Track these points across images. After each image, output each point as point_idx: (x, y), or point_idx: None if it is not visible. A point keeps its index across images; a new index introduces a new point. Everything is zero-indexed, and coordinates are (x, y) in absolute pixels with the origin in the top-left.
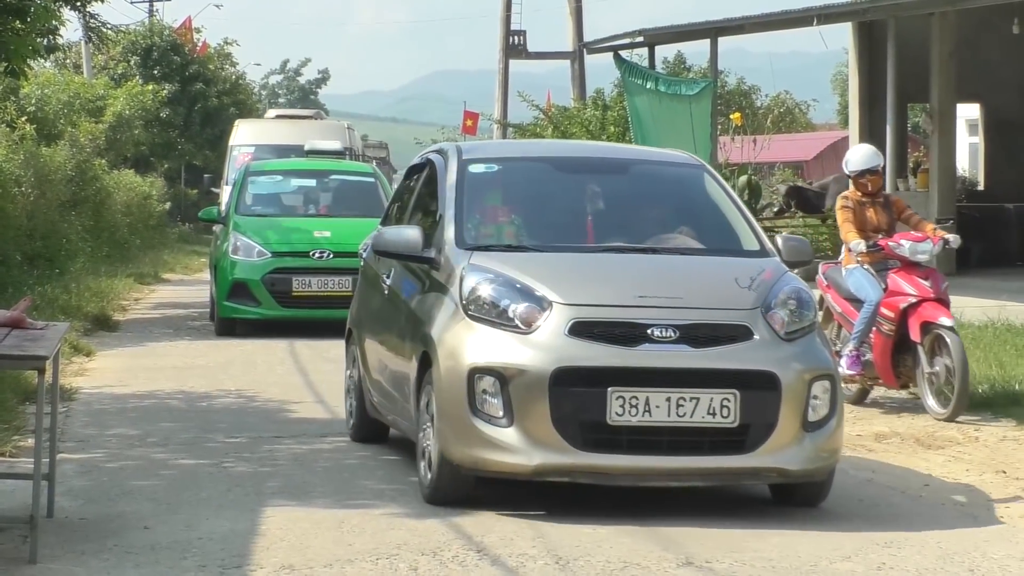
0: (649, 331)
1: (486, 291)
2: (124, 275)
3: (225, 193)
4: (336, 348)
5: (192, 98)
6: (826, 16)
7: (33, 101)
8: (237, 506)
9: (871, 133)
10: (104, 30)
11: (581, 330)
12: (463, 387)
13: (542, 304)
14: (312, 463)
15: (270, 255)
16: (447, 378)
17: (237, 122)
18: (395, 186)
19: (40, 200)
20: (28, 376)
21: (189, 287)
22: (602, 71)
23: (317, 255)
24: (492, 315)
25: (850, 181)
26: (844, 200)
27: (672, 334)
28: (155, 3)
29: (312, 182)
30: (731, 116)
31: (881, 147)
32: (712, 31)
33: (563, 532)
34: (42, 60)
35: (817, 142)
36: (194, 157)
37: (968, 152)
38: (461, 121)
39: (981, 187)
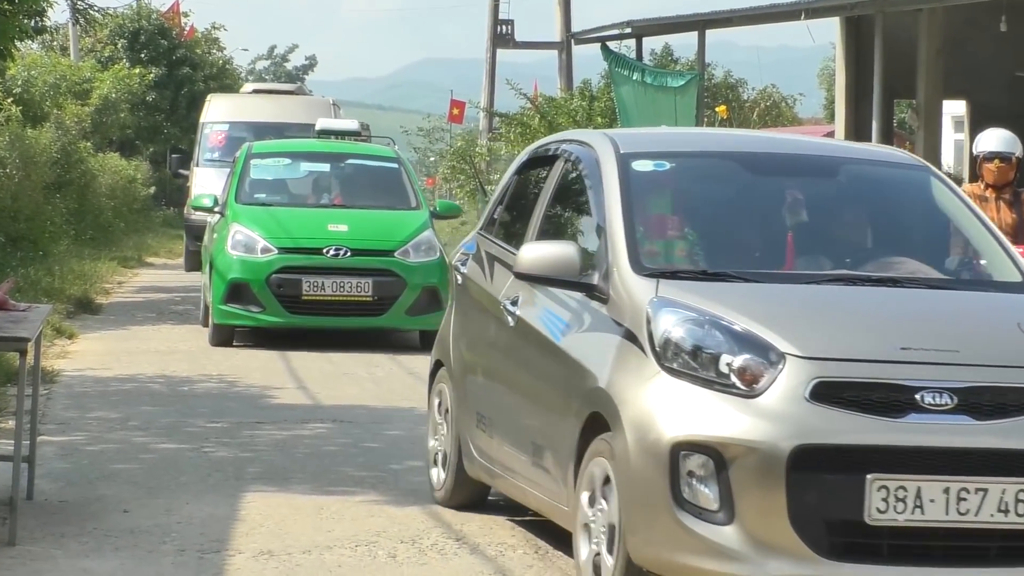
0: (918, 396)
1: (689, 336)
2: (108, 258)
3: (196, 176)
4: (332, 346)
5: (179, 82)
6: (814, 10)
7: (19, 83)
8: (217, 491)
9: (857, 128)
10: (92, 13)
11: (827, 393)
12: (662, 468)
13: (770, 356)
14: (292, 449)
15: (276, 251)
16: (638, 455)
17: (210, 97)
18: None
19: (25, 182)
20: (9, 358)
21: (173, 271)
22: (590, 62)
23: (332, 252)
24: (700, 369)
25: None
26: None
27: (948, 401)
28: None
29: (325, 167)
30: (717, 109)
31: (867, 143)
32: (700, 23)
33: (542, 522)
34: (29, 42)
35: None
36: (180, 141)
37: (954, 149)
38: (448, 109)
39: (967, 183)
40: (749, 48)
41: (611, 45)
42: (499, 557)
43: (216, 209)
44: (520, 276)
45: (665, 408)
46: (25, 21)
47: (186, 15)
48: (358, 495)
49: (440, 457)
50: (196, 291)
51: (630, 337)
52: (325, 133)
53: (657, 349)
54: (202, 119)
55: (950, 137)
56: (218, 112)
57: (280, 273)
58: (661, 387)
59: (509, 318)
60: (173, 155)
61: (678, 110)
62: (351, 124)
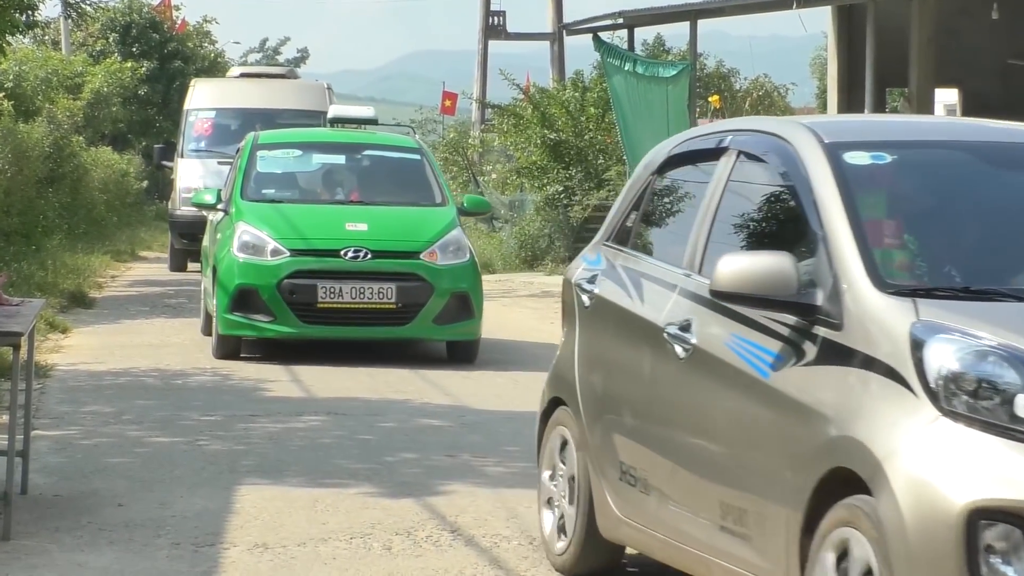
0: None
1: (977, 372)
2: (101, 252)
3: (180, 167)
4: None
5: (171, 76)
6: (806, 0)
7: (11, 77)
8: (211, 484)
9: None
10: (83, 7)
11: None
12: (955, 541)
13: None
14: (287, 441)
15: (288, 254)
16: (917, 524)
17: (194, 82)
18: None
19: (17, 176)
20: (3, 353)
21: (166, 265)
22: (582, 53)
23: (351, 255)
24: (998, 414)
25: None
26: None
27: None
28: None
29: (340, 159)
30: (710, 99)
31: None
32: (692, 14)
33: (536, 513)
34: (20, 36)
35: None
36: (172, 135)
37: None
38: (440, 101)
39: None
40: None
41: (603, 36)
42: (494, 548)
43: (219, 206)
44: (718, 295)
45: (951, 464)
46: (16, 15)
47: (177, 9)
48: (353, 487)
49: (560, 515)
50: (190, 284)
51: (885, 372)
52: (338, 121)
53: (932, 387)
54: (186, 106)
55: None
56: (203, 98)
57: (293, 278)
58: (943, 437)
59: (678, 347)
60: (157, 146)
61: (670, 100)
62: (366, 111)
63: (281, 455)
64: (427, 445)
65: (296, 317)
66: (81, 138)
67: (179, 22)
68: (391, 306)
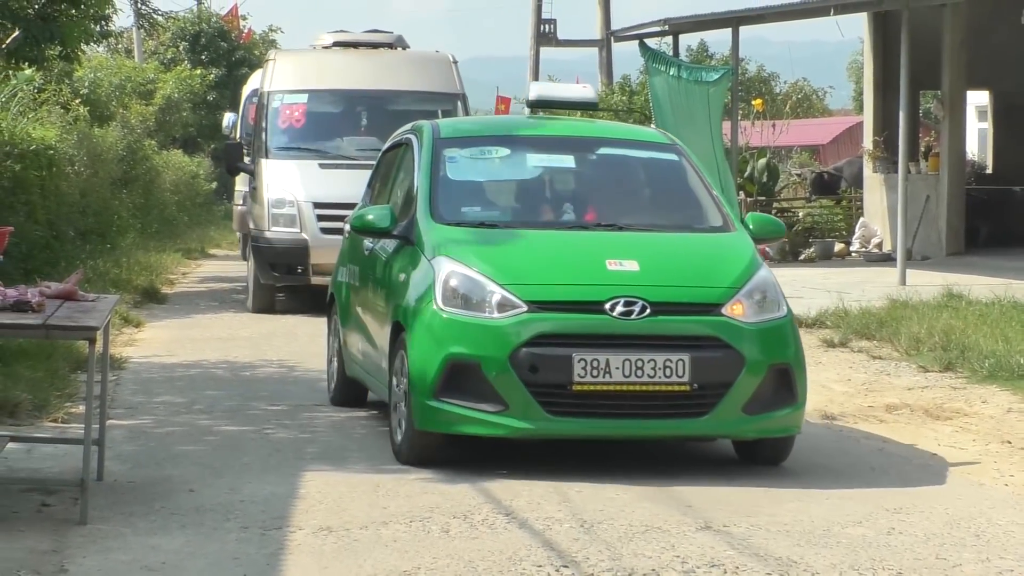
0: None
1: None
2: (172, 250)
3: (266, 171)
4: None
5: (237, 82)
6: (843, 6)
7: (86, 84)
8: (278, 471)
9: (885, 118)
10: (154, 16)
11: None
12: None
13: None
14: (350, 430)
15: (525, 308)
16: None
17: (273, 55)
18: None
19: (93, 178)
20: (80, 346)
21: (234, 262)
22: (628, 58)
23: (620, 309)
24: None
25: None
26: None
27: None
28: None
29: (566, 160)
30: (753, 102)
31: (894, 132)
32: (734, 20)
33: (587, 497)
34: (95, 45)
35: (833, 127)
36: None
37: (977, 137)
38: (494, 105)
39: (989, 170)
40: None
41: (648, 42)
42: (546, 531)
43: (395, 231)
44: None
45: None
46: (91, 25)
47: (244, 18)
48: (412, 473)
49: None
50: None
51: None
52: (543, 105)
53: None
54: (264, 86)
55: (974, 126)
56: (289, 76)
57: (533, 346)
58: None
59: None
60: (229, 142)
61: (711, 104)
62: (583, 90)
63: (344, 443)
64: None
65: (539, 405)
66: (153, 142)
67: (245, 31)
68: (682, 388)
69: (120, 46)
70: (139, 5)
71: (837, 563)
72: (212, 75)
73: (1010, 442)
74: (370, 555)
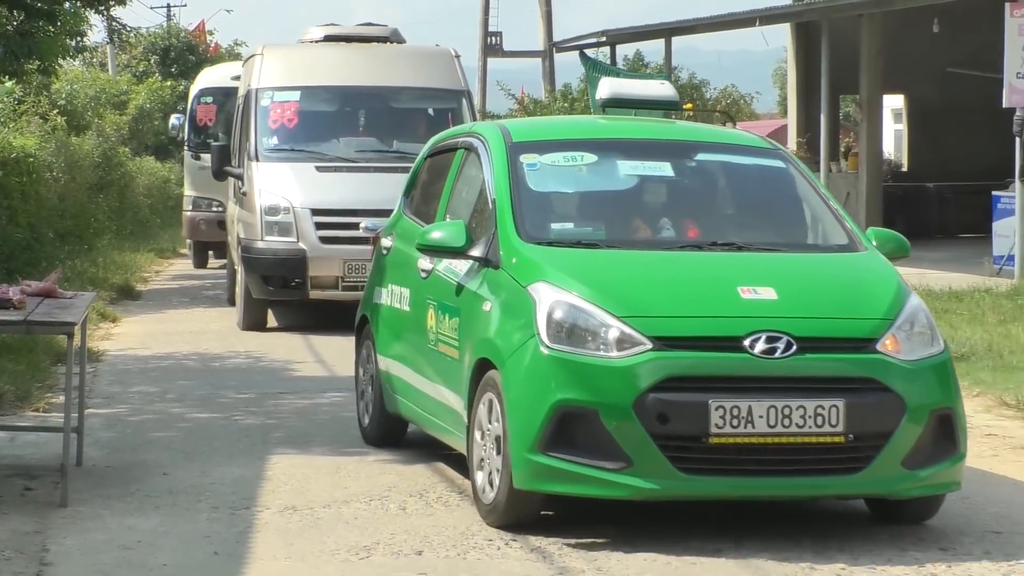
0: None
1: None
2: (145, 250)
3: (257, 174)
4: (347, 327)
5: None
6: (767, 18)
7: (63, 96)
8: (246, 454)
9: (807, 121)
10: (126, 32)
11: None
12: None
13: None
14: (312, 416)
15: (649, 345)
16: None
17: (262, 49)
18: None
19: (70, 184)
20: (59, 340)
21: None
22: (570, 67)
23: (761, 346)
24: None
25: None
26: None
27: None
28: (172, 8)
29: (663, 168)
30: (685, 106)
31: (816, 134)
32: (667, 31)
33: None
34: (71, 59)
35: (759, 130)
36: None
37: (893, 138)
38: None
39: (905, 168)
40: (711, 52)
41: (588, 52)
42: None
43: (471, 251)
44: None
45: None
46: (67, 41)
47: (211, 33)
48: (371, 455)
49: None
50: (222, 277)
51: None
52: (619, 104)
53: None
54: (252, 83)
55: (890, 128)
56: (278, 72)
57: (662, 390)
58: None
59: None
60: (216, 144)
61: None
62: (664, 89)
63: (307, 427)
64: None
65: (669, 461)
66: (127, 149)
67: (212, 45)
68: (836, 439)
69: (95, 60)
70: (111, 21)
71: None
72: (181, 86)
73: None
74: (332, 532)
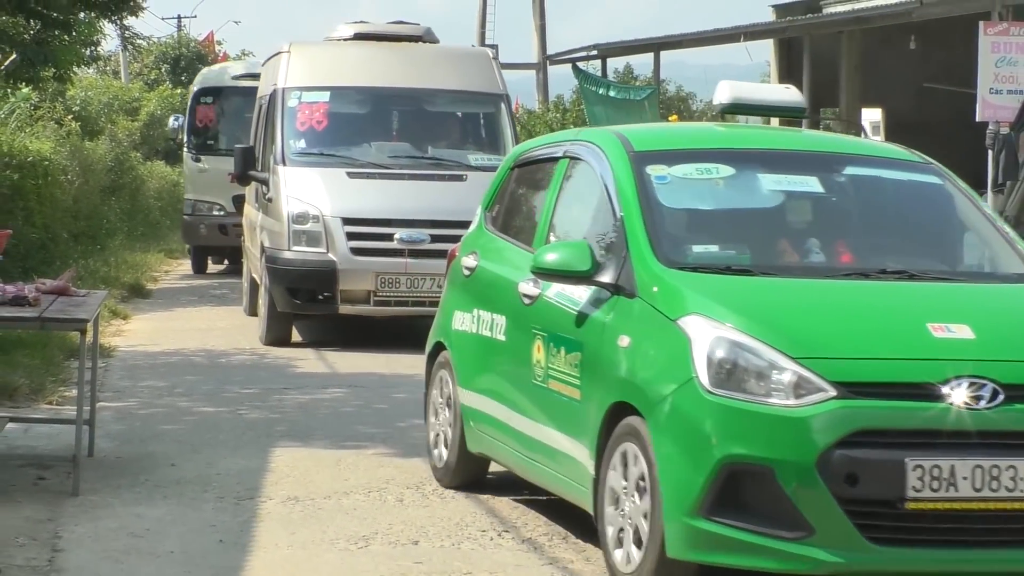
0: None
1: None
2: (156, 250)
3: (285, 180)
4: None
5: None
6: (751, 34)
7: (78, 102)
8: (250, 447)
9: None
10: (138, 42)
11: None
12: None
13: None
14: (314, 410)
15: (832, 392)
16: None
17: (289, 46)
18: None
19: (84, 186)
20: (72, 336)
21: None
22: (563, 79)
23: (964, 394)
24: None
25: None
26: None
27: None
28: (183, 19)
29: (811, 183)
30: (670, 118)
31: None
32: (656, 46)
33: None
34: (85, 67)
35: None
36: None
37: None
38: None
39: None
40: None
41: (581, 65)
42: (489, 501)
43: (600, 278)
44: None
45: None
46: (82, 50)
47: (219, 43)
48: (370, 449)
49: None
50: (232, 277)
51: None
52: (739, 111)
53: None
54: (278, 82)
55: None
56: (306, 71)
57: (850, 446)
58: None
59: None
60: (239, 146)
61: (642, 118)
62: (790, 94)
63: (309, 422)
64: None
65: (857, 530)
66: (138, 153)
67: (220, 54)
68: None
69: (108, 68)
70: (124, 31)
71: None
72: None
73: None
74: (333, 521)
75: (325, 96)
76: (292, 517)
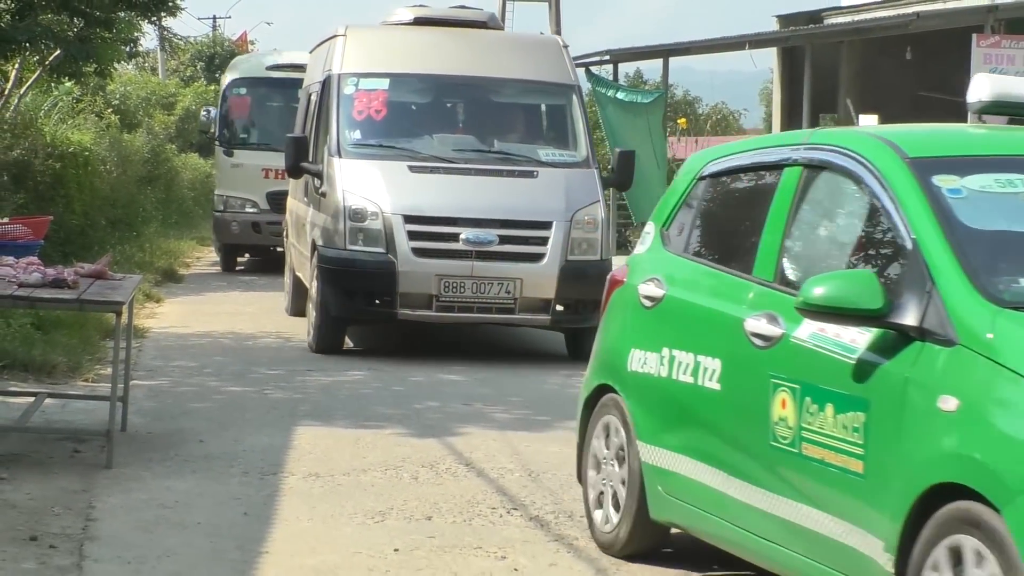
0: None
1: None
2: (188, 238)
3: (339, 172)
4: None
5: None
6: (756, 42)
7: (117, 96)
8: (275, 425)
9: None
10: (175, 40)
11: None
12: None
13: None
14: (336, 392)
15: None
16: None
17: (344, 28)
18: None
19: (122, 176)
20: (108, 317)
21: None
22: None
23: None
24: None
25: None
26: None
27: None
28: (217, 19)
29: None
30: (678, 121)
31: None
32: (665, 52)
33: (534, 451)
34: (125, 63)
35: None
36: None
37: None
38: None
39: None
40: (704, 72)
41: (593, 69)
42: (500, 479)
43: (900, 319)
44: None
45: None
46: (121, 47)
47: (252, 43)
48: (388, 428)
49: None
50: (259, 262)
51: None
52: (1002, 111)
53: None
54: (333, 67)
55: None
56: (364, 57)
57: None
58: None
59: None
60: (291, 135)
61: (650, 120)
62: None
63: (330, 402)
64: (447, 396)
65: None
66: (173, 146)
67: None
68: None
69: (146, 65)
70: (162, 30)
71: None
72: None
73: None
74: (351, 497)
75: (384, 83)
76: (313, 492)
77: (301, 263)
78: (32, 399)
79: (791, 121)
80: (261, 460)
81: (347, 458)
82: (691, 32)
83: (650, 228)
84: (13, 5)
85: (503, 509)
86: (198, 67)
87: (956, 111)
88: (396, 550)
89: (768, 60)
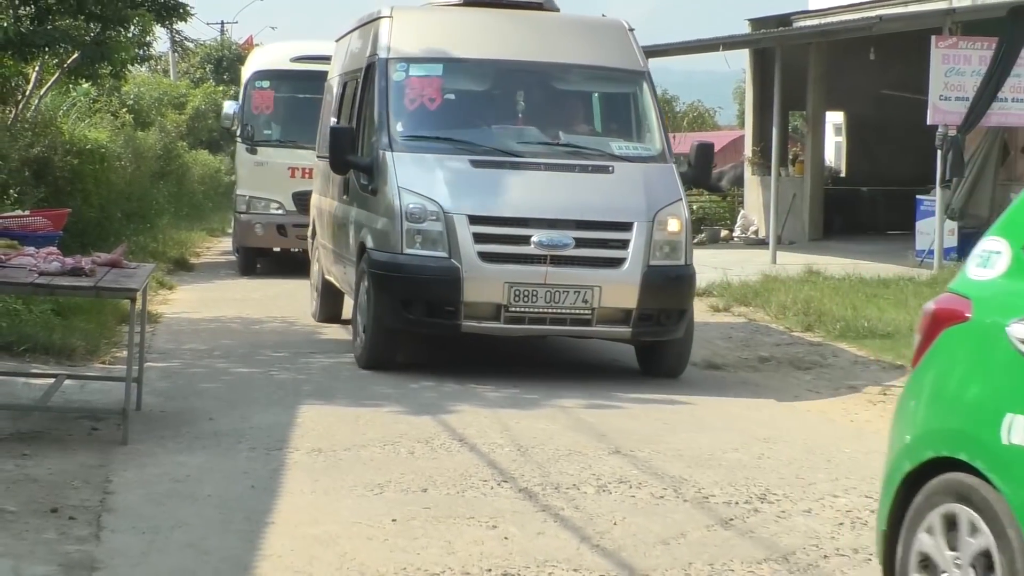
0: None
1: None
2: (199, 229)
3: (392, 167)
4: None
5: None
6: (729, 44)
7: (131, 97)
8: (280, 404)
9: (761, 133)
10: (186, 43)
11: None
12: None
13: None
14: (337, 373)
15: None
16: None
17: (390, 9)
18: None
19: (136, 172)
20: (123, 304)
21: None
22: None
23: None
24: None
25: None
26: None
27: None
28: (225, 24)
29: None
30: None
31: (768, 144)
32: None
33: (524, 427)
34: (138, 66)
35: (721, 139)
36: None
37: (834, 148)
38: None
39: (843, 175)
40: (681, 72)
41: None
42: (491, 454)
43: None
44: None
45: None
46: (135, 50)
47: (259, 45)
48: (386, 407)
49: None
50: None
51: None
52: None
53: None
54: (379, 51)
55: (831, 140)
56: (414, 40)
57: None
58: None
59: None
60: (335, 126)
61: None
62: None
63: (332, 383)
64: (442, 376)
65: None
66: (184, 143)
67: None
68: None
69: (159, 67)
70: (174, 34)
71: (719, 480)
72: (232, 91)
73: (855, 388)
74: (351, 471)
75: (438, 70)
76: (316, 466)
77: (336, 267)
78: (52, 380)
79: (762, 118)
80: (267, 436)
81: (348, 434)
82: (668, 35)
83: (1000, 245)
84: (32, 11)
85: (494, 481)
86: (207, 69)
87: (916, 108)
88: (394, 520)
89: (741, 61)
